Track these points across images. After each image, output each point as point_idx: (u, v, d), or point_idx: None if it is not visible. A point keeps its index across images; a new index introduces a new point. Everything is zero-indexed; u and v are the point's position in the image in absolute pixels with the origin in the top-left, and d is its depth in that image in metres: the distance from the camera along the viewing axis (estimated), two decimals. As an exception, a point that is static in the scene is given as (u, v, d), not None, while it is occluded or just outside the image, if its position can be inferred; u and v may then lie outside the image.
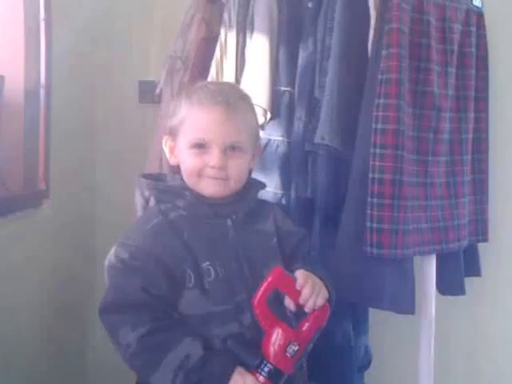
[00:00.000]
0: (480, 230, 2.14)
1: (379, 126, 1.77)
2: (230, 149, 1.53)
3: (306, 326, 1.45)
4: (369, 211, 1.78)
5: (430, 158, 1.90)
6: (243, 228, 1.56)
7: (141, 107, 2.72)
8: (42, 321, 2.27)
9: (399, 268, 1.85)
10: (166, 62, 2.34)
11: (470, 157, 2.04)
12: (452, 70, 1.93)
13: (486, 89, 2.09)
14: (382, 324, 2.28)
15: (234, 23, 2.10)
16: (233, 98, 1.55)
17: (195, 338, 1.40)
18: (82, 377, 2.66)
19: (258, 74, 2.02)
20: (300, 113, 1.96)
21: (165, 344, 1.39)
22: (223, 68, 2.10)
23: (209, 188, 1.54)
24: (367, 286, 1.82)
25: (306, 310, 1.45)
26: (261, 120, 1.95)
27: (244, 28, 2.08)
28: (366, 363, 2.17)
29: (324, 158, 1.91)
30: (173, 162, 1.63)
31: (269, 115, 2.01)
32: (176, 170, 1.64)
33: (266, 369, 1.39)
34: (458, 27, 1.94)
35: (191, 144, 1.53)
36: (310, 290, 1.45)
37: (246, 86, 1.96)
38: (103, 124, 2.75)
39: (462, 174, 2.01)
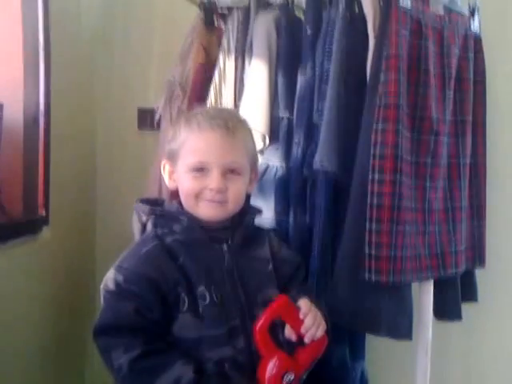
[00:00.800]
0: (477, 255, 2.13)
1: (378, 150, 1.77)
2: (229, 171, 1.54)
3: (303, 356, 1.46)
4: (367, 237, 1.77)
5: (427, 183, 1.89)
6: (239, 253, 1.57)
7: (140, 134, 2.73)
8: (41, 346, 2.26)
9: (397, 294, 1.84)
10: (164, 88, 2.35)
11: (467, 182, 2.04)
12: (450, 95, 1.93)
13: (483, 113, 2.09)
14: (378, 348, 2.27)
15: (232, 49, 2.11)
16: (231, 122, 1.57)
17: (187, 362, 1.41)
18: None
19: (256, 100, 2.02)
20: (298, 138, 1.96)
21: (156, 367, 1.39)
22: (222, 94, 2.11)
23: (206, 211, 1.54)
24: (365, 312, 1.81)
25: (306, 340, 1.47)
26: (259, 145, 1.95)
27: (243, 54, 2.10)
28: (363, 387, 2.15)
29: (322, 183, 1.90)
30: (171, 186, 1.64)
31: (267, 140, 2.01)
32: (174, 195, 1.65)
33: None
34: (456, 52, 1.94)
35: (190, 167, 1.54)
36: (312, 321, 1.48)
37: (244, 111, 1.97)
38: (103, 151, 2.76)
39: (460, 199, 2.00)
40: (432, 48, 1.87)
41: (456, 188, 1.99)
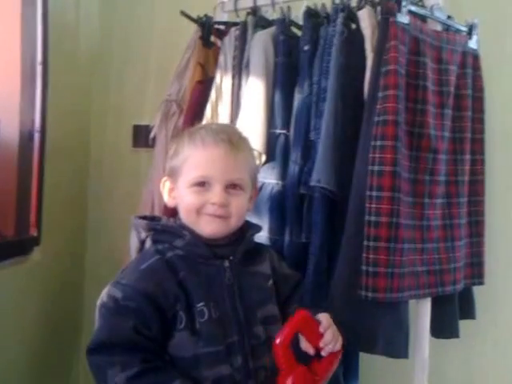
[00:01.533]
0: (476, 273, 2.11)
1: (376, 167, 1.76)
2: (232, 186, 1.52)
3: (320, 369, 1.45)
4: (364, 254, 1.76)
5: (426, 201, 1.88)
6: (240, 269, 1.54)
7: (134, 151, 2.72)
8: (29, 366, 2.24)
9: (394, 312, 1.82)
10: (161, 105, 2.34)
11: (466, 199, 2.02)
12: (448, 112, 1.93)
13: (482, 130, 2.08)
14: (373, 368, 2.25)
15: (229, 66, 2.12)
16: (235, 138, 1.56)
17: (184, 381, 1.38)
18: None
19: (253, 117, 2.01)
20: (295, 155, 1.95)
21: None
22: (218, 111, 2.11)
23: (208, 226, 1.52)
24: (361, 330, 1.78)
25: (323, 353, 1.45)
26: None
27: (240, 71, 2.10)
28: (356, 409, 2.12)
29: (319, 200, 1.89)
30: (170, 204, 1.61)
31: (264, 158, 2.01)
32: (169, 214, 1.64)
33: None
34: (454, 69, 1.94)
35: (192, 182, 1.51)
36: (331, 335, 1.47)
37: (241, 128, 1.93)
38: (96, 169, 2.76)
39: (459, 216, 1.98)
40: (430, 65, 1.87)
41: (455, 205, 1.97)
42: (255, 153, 1.93)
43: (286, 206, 1.96)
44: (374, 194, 1.76)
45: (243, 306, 1.51)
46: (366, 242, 1.76)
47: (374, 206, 1.76)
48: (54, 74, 2.32)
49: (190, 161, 1.53)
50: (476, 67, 2.05)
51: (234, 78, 2.11)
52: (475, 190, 2.08)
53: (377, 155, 1.76)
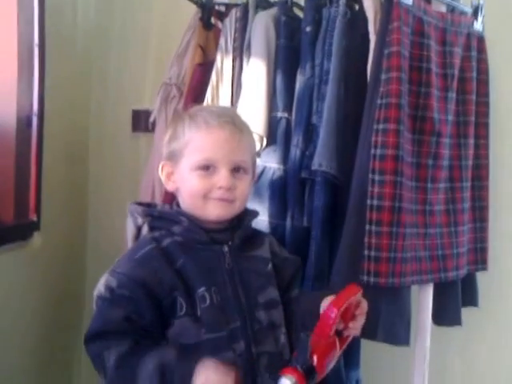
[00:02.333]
0: (479, 258, 2.10)
1: (378, 151, 1.74)
2: (236, 170, 1.51)
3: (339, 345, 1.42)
4: (367, 239, 1.74)
5: (429, 185, 1.87)
6: (239, 254, 1.53)
7: (134, 136, 2.69)
8: (30, 350, 2.23)
9: (396, 297, 1.81)
10: (160, 89, 2.32)
11: (469, 184, 2.01)
12: (452, 95, 1.90)
13: (486, 114, 2.06)
14: (373, 356, 2.22)
15: (230, 48, 2.09)
16: (238, 120, 1.55)
17: (178, 350, 1.36)
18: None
19: (254, 100, 1.99)
20: (297, 139, 1.93)
21: (141, 358, 1.34)
22: (219, 94, 2.09)
23: (215, 210, 1.50)
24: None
25: (346, 333, 1.43)
26: (257, 147, 1.91)
27: (241, 53, 2.07)
28: (358, 397, 2.11)
29: (321, 185, 1.87)
30: (170, 188, 1.59)
31: (265, 142, 1.98)
32: (168, 199, 1.61)
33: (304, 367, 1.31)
34: (458, 51, 1.92)
35: (197, 166, 1.49)
36: (363, 320, 1.46)
37: (242, 112, 1.92)
38: (96, 153, 2.74)
39: (462, 201, 1.97)
40: (434, 47, 1.85)
41: (458, 190, 1.96)
42: (256, 136, 1.91)
43: (288, 190, 1.94)
44: (377, 177, 1.74)
45: (244, 290, 1.50)
46: (367, 227, 1.74)
47: (376, 190, 1.74)
48: (51, 58, 2.29)
49: (193, 144, 1.51)
50: (481, 50, 2.02)
51: (234, 60, 2.08)
52: (479, 174, 2.07)
53: (379, 138, 1.74)
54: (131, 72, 2.69)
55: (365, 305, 1.47)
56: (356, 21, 1.89)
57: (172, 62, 2.33)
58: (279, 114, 1.98)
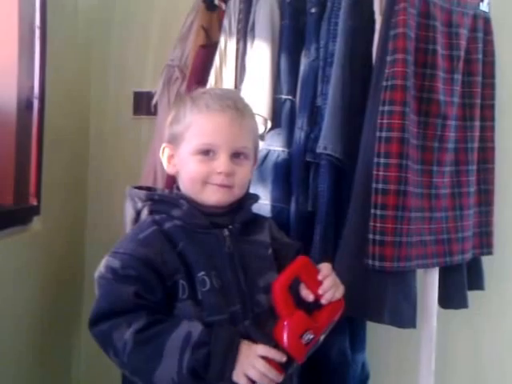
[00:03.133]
0: (485, 242, 2.09)
1: (384, 134, 1.73)
2: (236, 155, 1.50)
3: (321, 317, 1.42)
4: (371, 223, 1.73)
5: (434, 168, 1.85)
6: (239, 238, 1.52)
7: (135, 119, 2.67)
8: (29, 336, 2.22)
9: (401, 281, 1.80)
10: (163, 71, 2.30)
11: (475, 167, 1.99)
12: (458, 77, 1.89)
13: (492, 96, 2.04)
14: (380, 339, 2.24)
15: (234, 30, 2.07)
16: (240, 103, 1.53)
17: (191, 322, 1.36)
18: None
19: (258, 82, 1.97)
20: (301, 122, 1.92)
21: (163, 331, 1.34)
22: (222, 76, 2.07)
23: (213, 196, 1.50)
24: (367, 300, 1.77)
25: (323, 301, 1.43)
26: (261, 130, 1.90)
27: (244, 35, 2.05)
28: (364, 380, 2.11)
29: (326, 168, 1.86)
30: (170, 171, 1.58)
31: (269, 124, 1.97)
32: (169, 183, 1.60)
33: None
34: (464, 33, 1.90)
35: (197, 150, 1.48)
36: (331, 282, 1.44)
37: (245, 94, 1.91)
38: (97, 137, 2.72)
39: (468, 184, 1.95)
40: (440, 28, 1.83)
41: (463, 173, 1.94)
42: (260, 119, 1.90)
43: (292, 173, 1.93)
44: (382, 160, 1.73)
45: (244, 274, 1.49)
46: (373, 211, 1.73)
47: (381, 173, 1.73)
48: (52, 39, 2.26)
49: (194, 127, 1.50)
50: (487, 31, 2.00)
51: (238, 42, 2.06)
52: (485, 157, 2.05)
53: (385, 121, 1.73)
54: (133, 53, 2.66)
55: (325, 268, 1.46)
56: (361, 1, 1.88)
57: (175, 44, 2.31)
58: (283, 97, 1.97)
